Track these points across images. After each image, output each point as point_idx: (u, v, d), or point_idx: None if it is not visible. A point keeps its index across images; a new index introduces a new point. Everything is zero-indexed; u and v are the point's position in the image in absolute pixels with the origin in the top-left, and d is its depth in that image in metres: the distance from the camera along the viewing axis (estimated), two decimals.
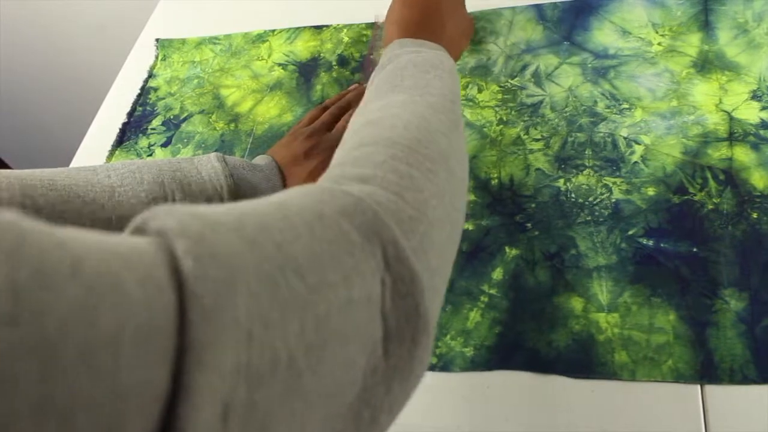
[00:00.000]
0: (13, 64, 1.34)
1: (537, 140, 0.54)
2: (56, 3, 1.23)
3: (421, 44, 0.46)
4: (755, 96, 0.52)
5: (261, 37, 0.68)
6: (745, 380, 0.41)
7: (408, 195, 0.30)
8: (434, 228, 0.30)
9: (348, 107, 0.59)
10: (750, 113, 0.51)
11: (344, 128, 0.54)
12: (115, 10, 1.18)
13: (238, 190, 0.48)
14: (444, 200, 0.32)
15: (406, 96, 0.38)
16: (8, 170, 0.42)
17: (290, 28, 0.68)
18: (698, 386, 0.41)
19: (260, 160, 0.53)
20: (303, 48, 0.66)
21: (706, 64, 0.55)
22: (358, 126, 0.36)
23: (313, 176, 0.51)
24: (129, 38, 0.77)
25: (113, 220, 0.43)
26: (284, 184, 0.51)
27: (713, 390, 0.41)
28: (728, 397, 0.41)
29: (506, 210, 0.51)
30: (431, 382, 0.45)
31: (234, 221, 0.23)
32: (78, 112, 1.39)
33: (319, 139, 0.55)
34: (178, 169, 0.47)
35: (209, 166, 0.48)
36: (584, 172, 0.51)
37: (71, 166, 0.66)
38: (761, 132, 0.50)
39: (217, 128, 0.63)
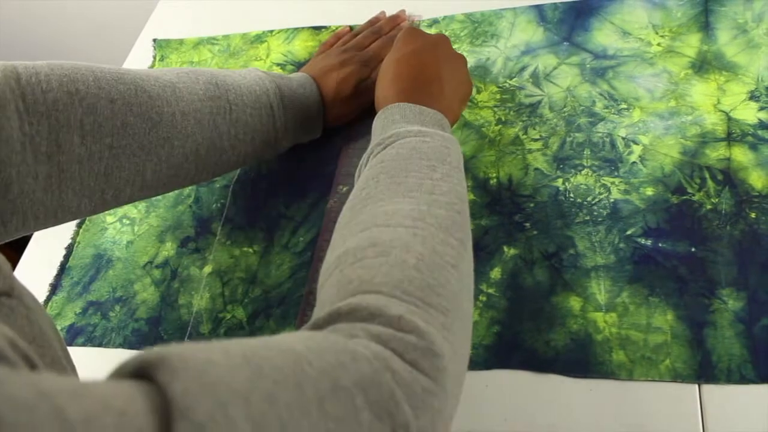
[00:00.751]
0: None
1: (535, 140, 0.54)
2: (56, 3, 1.25)
3: (420, 112, 0.44)
4: (753, 96, 0.52)
5: (259, 38, 0.68)
6: (743, 380, 0.41)
7: (424, 362, 0.29)
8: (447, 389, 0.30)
9: (379, 33, 0.61)
10: (748, 113, 0.52)
11: (377, 50, 0.59)
12: (115, 10, 1.19)
13: (282, 94, 0.52)
14: (457, 354, 0.31)
15: (413, 205, 0.36)
16: (77, 63, 0.45)
17: (288, 29, 0.68)
18: (696, 386, 0.41)
19: (297, 75, 0.55)
20: (301, 48, 0.66)
21: (705, 65, 0.55)
22: (361, 231, 0.35)
23: (346, 82, 0.55)
24: (129, 38, 0.77)
25: (177, 116, 0.46)
26: (320, 92, 0.55)
27: (711, 389, 0.41)
28: (726, 397, 0.41)
29: (505, 210, 0.51)
30: None
31: (242, 388, 0.21)
32: None
33: (352, 53, 0.58)
34: (227, 75, 0.51)
35: (253, 75, 0.52)
36: (583, 172, 0.51)
37: None
38: (759, 132, 0.50)
39: None
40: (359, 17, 0.65)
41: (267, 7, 0.72)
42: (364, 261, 0.33)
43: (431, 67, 0.48)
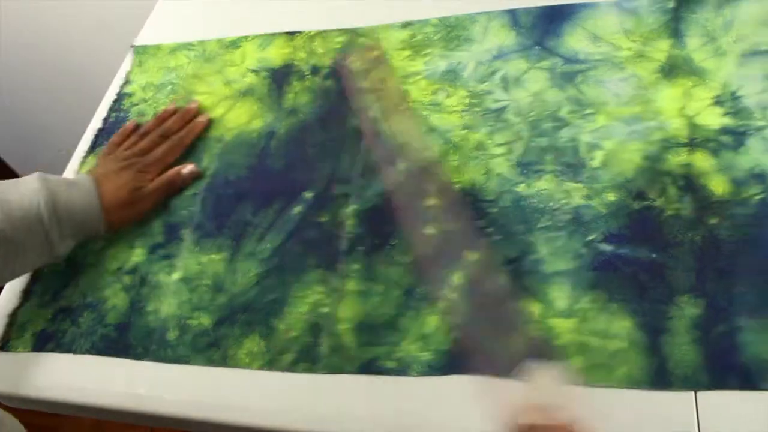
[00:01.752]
0: (13, 64, 1.35)
1: (500, 145, 0.54)
2: (56, 3, 1.23)
3: None
4: (718, 101, 0.52)
5: (235, 43, 0.69)
6: (697, 386, 0.41)
7: None
8: None
9: (167, 135, 0.62)
10: (711, 119, 0.51)
11: (160, 156, 0.60)
12: (115, 10, 1.18)
13: (56, 205, 0.53)
14: None
15: None
16: None
17: (263, 34, 0.68)
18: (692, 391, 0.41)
19: (80, 177, 0.57)
20: (276, 54, 0.66)
21: (674, 69, 0.55)
22: None
23: (122, 189, 0.57)
24: (129, 38, 0.77)
25: None
26: (101, 199, 0.56)
27: (706, 395, 0.41)
28: (721, 402, 0.40)
29: (467, 215, 0.51)
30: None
31: None
32: (78, 112, 1.39)
33: (133, 160, 0.59)
34: (3, 190, 0.52)
35: (29, 184, 0.53)
36: (545, 177, 0.51)
37: (70, 166, 0.67)
38: (721, 138, 0.50)
39: None
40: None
41: (266, 7, 0.71)
42: None
43: None
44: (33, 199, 0.52)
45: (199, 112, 0.64)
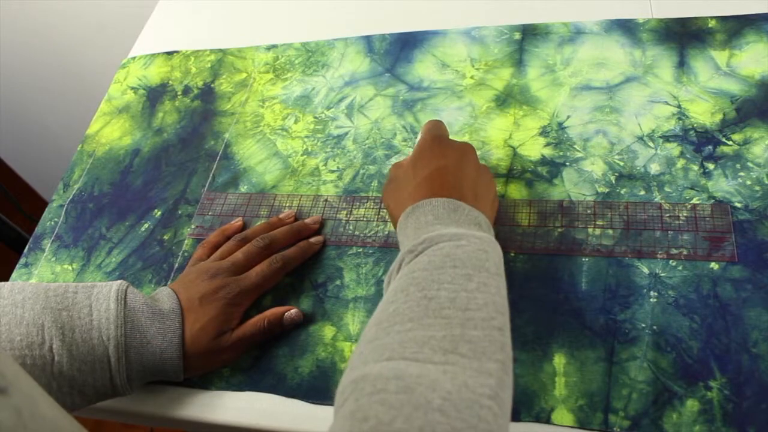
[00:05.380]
0: (14, 64, 1.38)
1: (333, 171, 0.56)
2: (56, 3, 1.25)
3: (455, 209, 0.40)
4: (543, 132, 0.53)
5: (124, 65, 0.72)
6: None
7: None
8: None
9: (271, 248, 0.50)
10: (534, 149, 0.53)
11: (263, 277, 0.48)
12: (115, 10, 1.19)
13: (129, 341, 0.43)
14: None
15: (444, 331, 0.32)
16: None
17: (147, 55, 0.71)
18: None
19: (167, 300, 0.46)
20: (155, 73, 0.69)
21: (508, 98, 0.56)
22: (387, 360, 0.31)
23: (205, 330, 0.45)
24: (129, 38, 0.78)
25: None
26: (183, 338, 0.45)
27: None
28: None
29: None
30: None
31: None
32: (78, 112, 1.43)
33: (224, 281, 0.47)
34: (67, 306, 0.43)
35: (104, 306, 0.43)
36: (366, 205, 0.53)
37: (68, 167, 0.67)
38: (539, 168, 0.51)
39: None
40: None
41: (268, 7, 0.73)
42: (384, 395, 0.29)
43: (465, 180, 0.44)
44: (103, 334, 0.43)
45: (315, 229, 0.53)
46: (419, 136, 0.49)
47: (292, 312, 0.48)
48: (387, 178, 0.48)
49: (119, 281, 0.46)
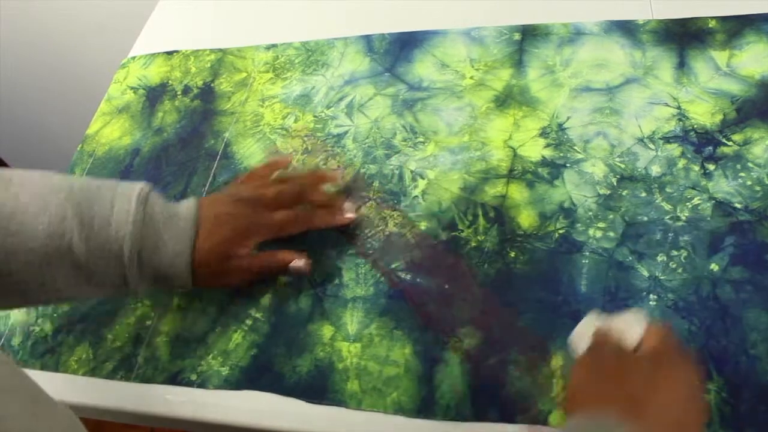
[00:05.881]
0: (14, 64, 1.38)
1: (333, 170, 0.56)
2: (56, 3, 1.25)
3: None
4: (544, 133, 0.53)
5: (123, 65, 0.72)
6: (458, 417, 0.43)
7: None
8: None
9: (302, 197, 0.50)
10: (534, 150, 0.53)
11: (283, 221, 0.48)
12: (115, 10, 1.20)
13: (144, 242, 0.44)
14: None
15: None
16: None
17: (147, 54, 0.71)
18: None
19: (185, 210, 0.47)
20: (155, 73, 0.69)
21: (508, 99, 0.56)
22: None
23: (213, 249, 0.46)
24: (129, 38, 0.78)
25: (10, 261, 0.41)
26: (193, 249, 0.46)
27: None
28: None
29: (288, 238, 0.53)
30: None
31: None
32: (78, 112, 1.43)
33: (245, 209, 0.48)
34: (90, 198, 0.44)
35: (125, 204, 0.44)
36: (367, 204, 0.53)
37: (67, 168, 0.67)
38: (539, 170, 0.51)
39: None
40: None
41: (266, 7, 0.73)
42: None
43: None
44: (120, 232, 0.44)
45: (350, 219, 0.51)
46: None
47: (300, 262, 0.48)
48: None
49: (143, 182, 0.47)
